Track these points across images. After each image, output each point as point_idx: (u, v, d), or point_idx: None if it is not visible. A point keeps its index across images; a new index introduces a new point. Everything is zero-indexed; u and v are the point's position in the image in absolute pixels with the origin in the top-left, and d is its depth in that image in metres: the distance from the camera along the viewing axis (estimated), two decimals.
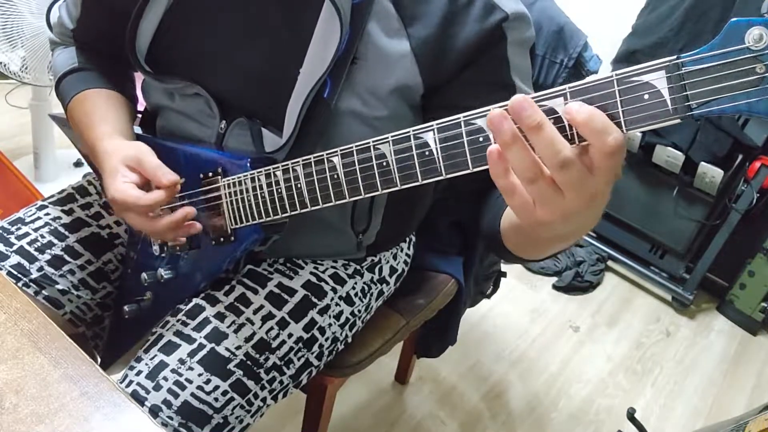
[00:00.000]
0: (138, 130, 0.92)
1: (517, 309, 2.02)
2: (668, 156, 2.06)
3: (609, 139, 0.45)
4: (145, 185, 0.76)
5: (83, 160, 2.08)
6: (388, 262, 1.01)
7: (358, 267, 0.96)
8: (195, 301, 0.82)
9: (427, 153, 0.56)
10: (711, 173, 1.99)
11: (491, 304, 1.96)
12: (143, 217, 0.75)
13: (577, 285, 2.17)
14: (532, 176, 0.48)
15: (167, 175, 0.73)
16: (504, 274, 1.43)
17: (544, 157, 0.47)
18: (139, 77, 0.87)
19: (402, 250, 1.06)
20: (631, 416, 1.37)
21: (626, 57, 2.12)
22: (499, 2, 0.73)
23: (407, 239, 1.08)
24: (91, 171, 0.96)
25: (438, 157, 0.55)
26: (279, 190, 0.69)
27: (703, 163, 1.99)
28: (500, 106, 0.49)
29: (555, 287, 2.16)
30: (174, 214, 0.75)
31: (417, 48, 0.74)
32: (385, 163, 0.59)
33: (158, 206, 0.74)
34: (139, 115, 0.96)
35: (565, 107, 0.47)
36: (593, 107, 0.46)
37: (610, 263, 2.35)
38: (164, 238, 0.78)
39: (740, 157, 2.01)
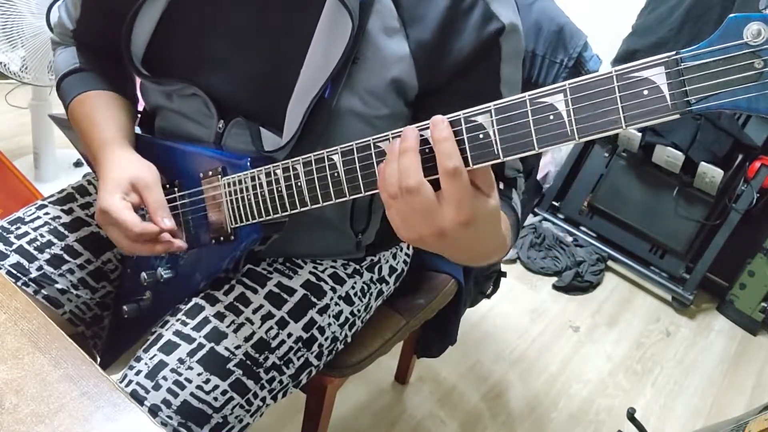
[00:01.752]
0: (137, 130, 0.92)
1: (517, 309, 2.02)
2: (668, 156, 2.06)
3: (448, 162, 0.52)
4: (139, 209, 0.77)
5: (83, 160, 2.08)
6: (387, 261, 1.01)
7: (358, 266, 0.95)
8: (194, 300, 0.82)
9: (427, 150, 0.56)
10: (711, 173, 1.99)
11: (491, 304, 1.96)
12: (126, 238, 0.75)
13: (577, 285, 2.17)
14: (393, 193, 0.55)
15: (166, 221, 0.75)
16: (504, 274, 1.43)
17: (399, 180, 0.55)
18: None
19: (401, 250, 1.06)
20: (631, 416, 1.37)
21: (626, 57, 2.12)
22: (497, 12, 0.73)
23: None
24: (91, 171, 0.96)
25: None
26: (279, 189, 0.69)
27: (703, 163, 1.99)
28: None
29: (555, 287, 2.16)
30: (157, 247, 0.76)
31: (415, 50, 0.74)
32: None
33: (146, 238, 0.75)
34: (138, 115, 0.96)
35: (433, 117, 0.54)
36: (451, 133, 0.53)
37: (610, 263, 2.35)
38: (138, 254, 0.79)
39: (740, 157, 2.02)
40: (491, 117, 0.52)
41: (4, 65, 1.66)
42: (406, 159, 0.54)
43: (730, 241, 2.08)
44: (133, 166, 0.78)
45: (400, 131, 0.57)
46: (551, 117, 0.49)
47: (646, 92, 0.45)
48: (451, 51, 0.73)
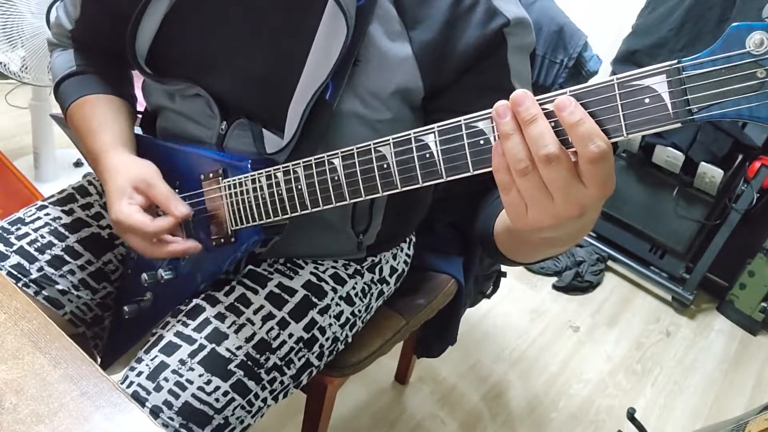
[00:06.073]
0: (138, 130, 0.92)
1: (517, 309, 2.02)
2: (668, 156, 2.06)
3: (592, 146, 0.46)
4: (150, 207, 0.76)
5: (83, 160, 2.08)
6: (388, 262, 1.01)
7: (359, 267, 0.96)
8: (195, 301, 0.82)
9: (427, 155, 0.56)
10: (711, 173, 1.99)
11: (491, 304, 1.96)
12: (145, 241, 0.75)
13: (577, 285, 2.17)
14: (524, 168, 0.49)
15: (179, 207, 0.75)
16: (504, 274, 1.43)
17: (532, 150, 0.48)
18: (138, 77, 0.87)
19: (402, 250, 1.06)
20: (631, 416, 1.37)
21: (626, 57, 2.12)
22: (500, 7, 0.73)
23: (407, 239, 1.08)
24: (91, 171, 0.96)
25: (438, 160, 0.55)
26: (279, 192, 0.69)
27: (703, 163, 1.99)
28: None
29: (555, 287, 2.16)
30: (179, 246, 0.75)
31: (418, 51, 0.74)
32: (385, 165, 0.59)
33: (163, 233, 0.75)
34: (139, 116, 0.96)
35: (557, 100, 0.48)
36: (585, 112, 0.47)
37: (610, 263, 2.35)
38: (159, 259, 0.78)
39: (740, 157, 2.01)
40: (492, 123, 0.52)
41: (4, 65, 1.66)
42: (536, 127, 0.48)
43: (730, 241, 2.08)
44: (131, 170, 0.77)
45: (402, 135, 0.57)
46: (552, 124, 0.49)
47: (647, 100, 0.45)
48: (455, 49, 0.73)
